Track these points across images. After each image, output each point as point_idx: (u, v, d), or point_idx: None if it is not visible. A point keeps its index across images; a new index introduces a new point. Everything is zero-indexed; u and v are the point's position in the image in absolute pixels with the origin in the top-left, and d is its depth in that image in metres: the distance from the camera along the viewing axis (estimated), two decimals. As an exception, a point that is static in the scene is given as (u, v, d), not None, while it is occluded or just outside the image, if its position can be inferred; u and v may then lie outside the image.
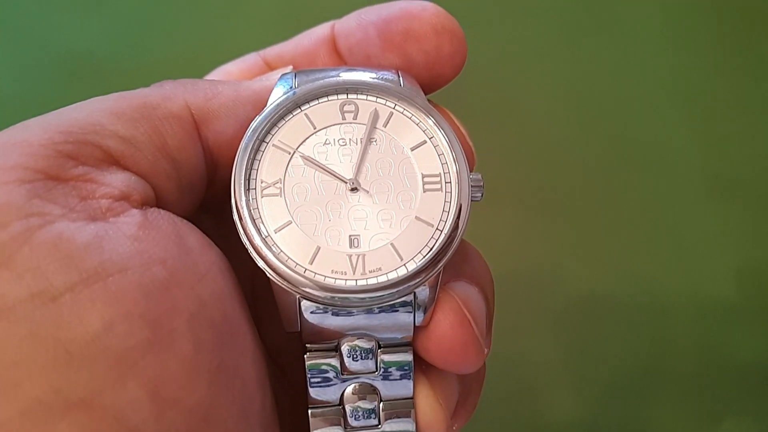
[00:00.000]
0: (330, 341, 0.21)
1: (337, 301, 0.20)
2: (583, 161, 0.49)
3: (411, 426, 0.22)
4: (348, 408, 0.22)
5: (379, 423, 0.22)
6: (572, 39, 0.52)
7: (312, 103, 0.22)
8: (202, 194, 0.22)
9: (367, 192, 0.21)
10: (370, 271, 0.21)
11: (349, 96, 0.22)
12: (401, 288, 0.20)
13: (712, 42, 0.52)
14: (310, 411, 0.22)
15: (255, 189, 0.21)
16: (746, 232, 0.48)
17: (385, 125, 0.22)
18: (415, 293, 0.21)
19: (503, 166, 0.48)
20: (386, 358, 0.22)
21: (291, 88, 0.22)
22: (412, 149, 0.22)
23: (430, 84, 0.23)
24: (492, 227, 0.45)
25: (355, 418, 0.22)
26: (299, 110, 0.22)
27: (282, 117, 0.22)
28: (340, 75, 0.22)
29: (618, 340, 0.46)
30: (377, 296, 0.20)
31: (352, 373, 0.22)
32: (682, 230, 0.48)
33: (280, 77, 0.23)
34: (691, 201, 0.48)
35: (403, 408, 0.22)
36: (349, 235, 0.21)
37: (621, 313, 0.46)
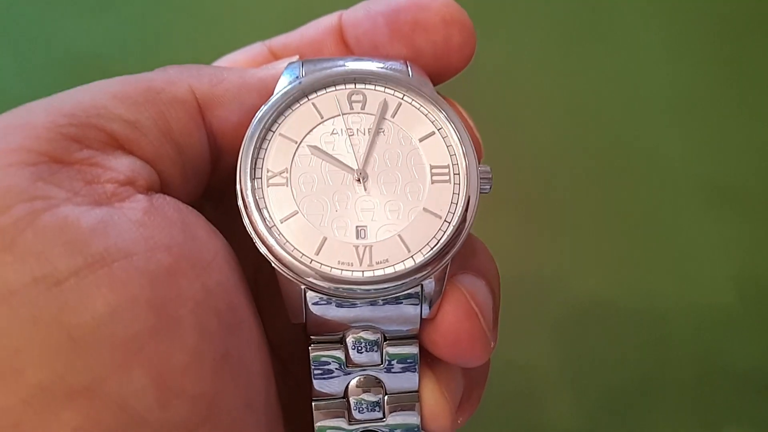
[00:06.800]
0: (335, 333, 0.21)
1: (342, 292, 0.20)
2: (582, 169, 0.49)
3: (416, 419, 0.22)
4: (352, 401, 0.22)
5: (384, 416, 0.22)
6: (572, 48, 0.52)
7: (319, 93, 0.22)
8: (206, 181, 0.22)
9: (375, 183, 0.21)
10: (377, 263, 0.20)
11: (357, 86, 0.22)
12: (408, 280, 0.20)
13: (711, 51, 0.52)
14: (313, 404, 0.22)
15: (261, 178, 0.21)
16: (744, 241, 0.48)
17: (393, 116, 0.22)
18: (422, 285, 0.21)
19: (502, 173, 0.48)
20: (391, 350, 0.21)
21: (297, 77, 0.22)
22: (421, 140, 0.22)
23: (439, 75, 0.23)
24: (491, 234, 0.45)
25: (359, 411, 0.22)
26: (306, 99, 0.22)
27: (289, 106, 0.21)
28: (348, 64, 0.22)
29: (616, 347, 0.45)
30: (383, 288, 0.20)
31: (356, 365, 0.21)
32: (680, 238, 0.48)
33: (287, 66, 0.22)
34: (690, 209, 0.48)
35: (408, 401, 0.22)
36: (356, 226, 0.21)
37: (619, 320, 0.46)
